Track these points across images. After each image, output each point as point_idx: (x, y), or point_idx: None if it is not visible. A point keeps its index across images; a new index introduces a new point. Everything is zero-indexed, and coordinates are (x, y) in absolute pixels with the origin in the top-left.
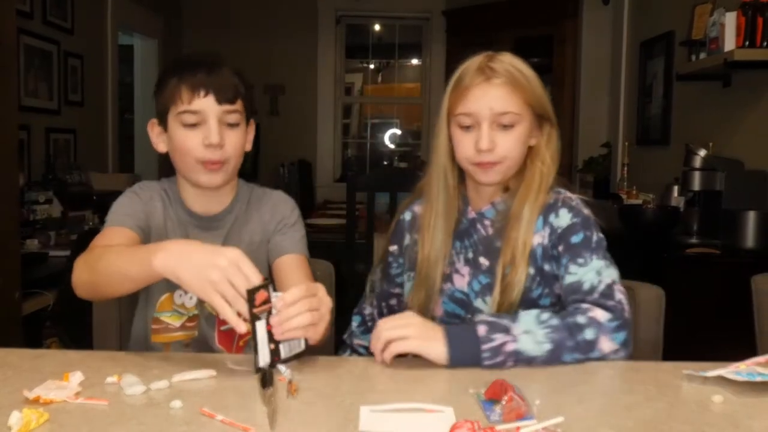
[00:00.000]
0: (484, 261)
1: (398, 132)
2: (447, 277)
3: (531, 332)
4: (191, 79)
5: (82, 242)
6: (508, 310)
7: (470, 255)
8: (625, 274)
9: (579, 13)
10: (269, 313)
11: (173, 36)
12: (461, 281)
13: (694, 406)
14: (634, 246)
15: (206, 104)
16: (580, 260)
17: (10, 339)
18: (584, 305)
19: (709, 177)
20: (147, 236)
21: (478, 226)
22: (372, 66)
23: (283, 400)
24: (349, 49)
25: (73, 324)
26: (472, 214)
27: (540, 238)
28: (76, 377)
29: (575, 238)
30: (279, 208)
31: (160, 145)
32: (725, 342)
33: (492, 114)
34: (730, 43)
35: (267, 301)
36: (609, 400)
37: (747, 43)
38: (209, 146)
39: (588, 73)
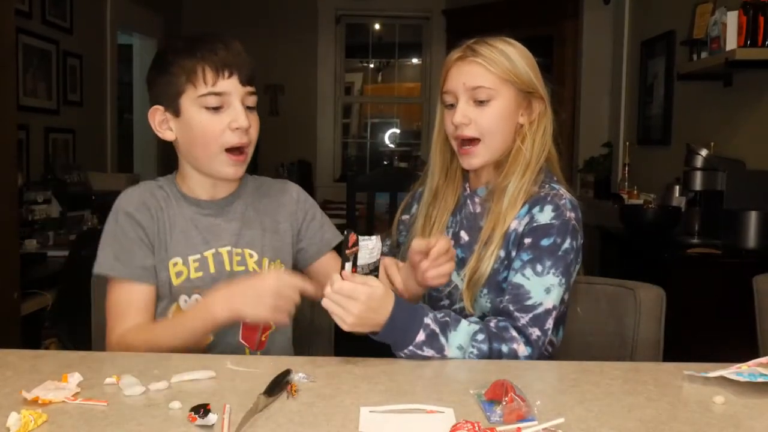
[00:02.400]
0: (464, 236)
1: (398, 132)
2: None
3: (462, 348)
4: (212, 58)
5: (81, 242)
6: (477, 282)
7: (457, 229)
8: (626, 274)
9: (579, 13)
10: (356, 255)
11: (173, 36)
12: None
13: (695, 407)
14: (634, 246)
15: (231, 85)
16: (539, 267)
17: (9, 339)
18: (512, 332)
19: (710, 177)
20: (153, 252)
21: (469, 202)
22: (372, 65)
23: (283, 400)
24: (349, 49)
25: (71, 324)
26: (467, 192)
27: (517, 225)
28: (75, 378)
29: (545, 241)
30: (300, 201)
31: (167, 134)
32: (726, 342)
33: (466, 89)
34: (731, 42)
35: (355, 244)
36: (610, 401)
37: (748, 42)
38: (236, 130)
39: (588, 73)
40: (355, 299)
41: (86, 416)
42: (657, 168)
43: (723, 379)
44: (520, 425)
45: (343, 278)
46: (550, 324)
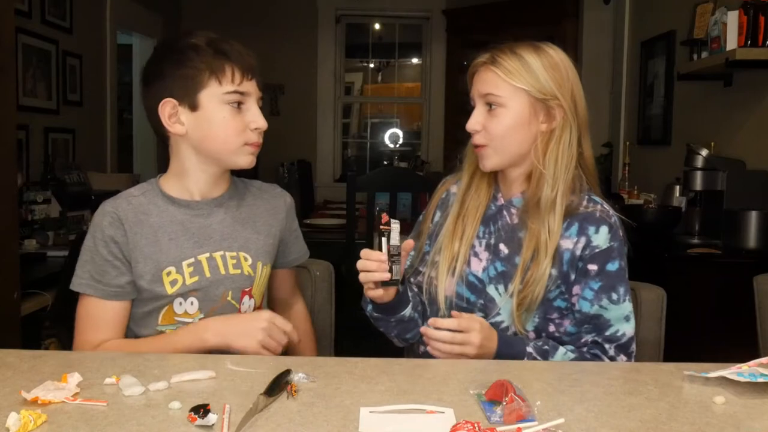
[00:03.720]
0: (503, 248)
1: (398, 132)
2: (465, 260)
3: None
4: (242, 60)
5: (81, 242)
6: (529, 306)
7: (492, 241)
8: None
9: (579, 13)
10: (389, 234)
11: (172, 35)
12: (478, 265)
13: (695, 407)
14: (635, 246)
15: (252, 87)
16: (615, 296)
17: (9, 339)
18: (604, 359)
19: (710, 177)
20: (129, 269)
21: (504, 213)
22: (372, 65)
23: (283, 400)
24: (349, 49)
25: (71, 324)
26: (501, 201)
27: (571, 244)
28: (75, 378)
29: (611, 266)
30: (290, 210)
31: (176, 127)
32: (727, 342)
33: (479, 95)
34: (731, 42)
35: (387, 223)
36: (610, 401)
37: (749, 42)
38: (256, 130)
39: (589, 73)
40: (465, 337)
41: (86, 416)
42: (657, 168)
43: (723, 379)
44: (520, 425)
45: (384, 259)
46: (634, 347)
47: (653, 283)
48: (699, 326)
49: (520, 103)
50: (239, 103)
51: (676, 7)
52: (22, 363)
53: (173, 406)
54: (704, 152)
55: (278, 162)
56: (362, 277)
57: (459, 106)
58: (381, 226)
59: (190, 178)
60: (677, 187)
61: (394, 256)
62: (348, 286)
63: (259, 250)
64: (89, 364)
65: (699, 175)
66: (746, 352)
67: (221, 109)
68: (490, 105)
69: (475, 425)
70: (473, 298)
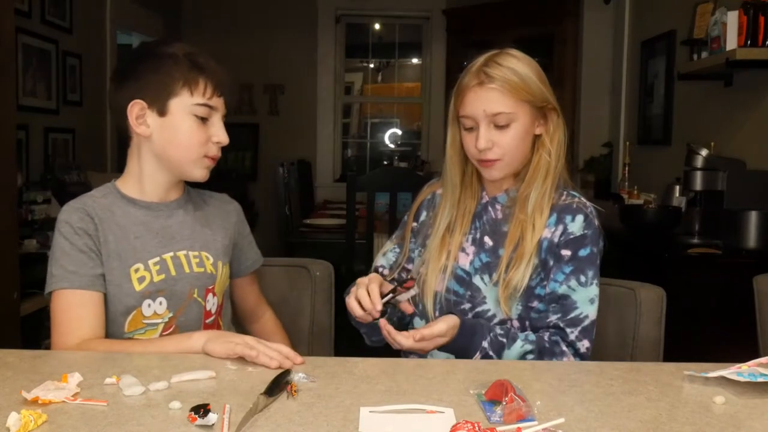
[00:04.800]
0: (488, 241)
1: (398, 132)
2: (454, 263)
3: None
4: (215, 76)
5: None
6: (514, 293)
7: (478, 235)
8: (627, 274)
9: (580, 13)
10: (402, 294)
11: (172, 35)
12: (465, 259)
13: (695, 407)
14: (635, 246)
15: (220, 104)
16: (582, 278)
17: (9, 340)
18: (563, 346)
19: (710, 177)
20: (101, 261)
21: (490, 209)
22: (372, 65)
23: (283, 400)
24: (349, 49)
25: None
26: (485, 199)
27: (549, 233)
28: (75, 378)
29: (583, 252)
30: (239, 215)
31: (141, 128)
32: (727, 343)
33: (486, 115)
34: (731, 42)
35: (405, 288)
36: (610, 401)
37: (749, 42)
38: (217, 144)
39: (589, 73)
40: (443, 333)
41: (86, 416)
42: (657, 168)
43: (723, 379)
44: (520, 425)
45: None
46: (593, 333)
47: (653, 283)
48: (699, 326)
49: (525, 114)
50: (205, 118)
51: (676, 7)
52: (22, 363)
53: (173, 406)
54: (704, 152)
55: (278, 162)
56: (349, 308)
57: None
58: (400, 287)
59: (146, 180)
60: (677, 187)
61: (388, 305)
62: (348, 286)
63: (218, 250)
64: (89, 364)
65: (699, 175)
66: (746, 352)
67: (188, 118)
68: (495, 124)
69: (475, 425)
70: (461, 291)
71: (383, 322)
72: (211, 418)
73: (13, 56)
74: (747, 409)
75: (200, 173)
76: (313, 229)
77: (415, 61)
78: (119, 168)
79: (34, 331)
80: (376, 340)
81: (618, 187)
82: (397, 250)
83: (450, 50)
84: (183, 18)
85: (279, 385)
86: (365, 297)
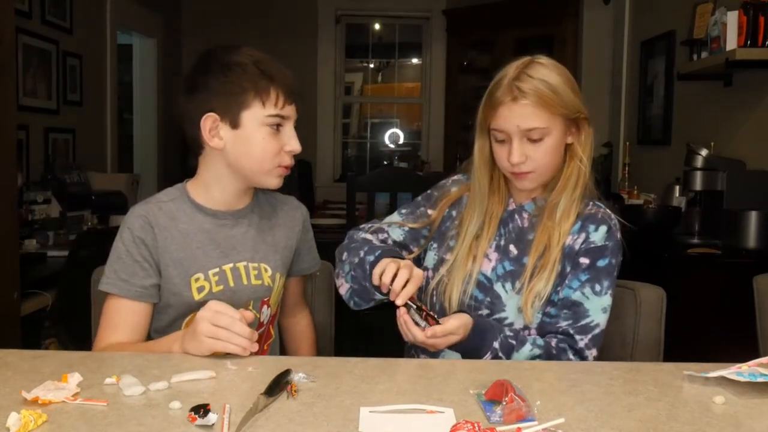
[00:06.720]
0: (513, 249)
1: (398, 132)
2: (479, 269)
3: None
4: (285, 84)
5: (81, 242)
6: (535, 300)
7: (502, 242)
8: (627, 274)
9: (579, 13)
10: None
11: (172, 35)
12: (487, 266)
13: (695, 407)
14: (635, 246)
15: (292, 112)
16: (597, 287)
17: (9, 339)
18: (570, 354)
19: (710, 177)
20: (157, 271)
21: (516, 217)
22: (372, 65)
23: (283, 400)
24: (349, 49)
25: (71, 324)
26: (512, 206)
27: (571, 240)
28: (75, 378)
29: (602, 262)
30: (305, 221)
31: (215, 141)
32: (727, 343)
33: (520, 131)
34: (731, 42)
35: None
36: (610, 401)
37: (748, 42)
38: (290, 152)
39: (589, 73)
40: (456, 331)
41: (86, 416)
42: (657, 168)
43: (723, 379)
44: (520, 425)
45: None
46: (600, 342)
47: (653, 283)
48: (699, 326)
49: (558, 126)
50: (279, 125)
51: (676, 7)
52: (22, 363)
53: (173, 406)
54: (704, 152)
55: None
56: (378, 269)
57: (459, 106)
58: (427, 314)
59: (217, 188)
60: (677, 187)
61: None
62: None
63: (277, 261)
64: (89, 364)
65: (699, 175)
66: (746, 352)
67: (261, 129)
68: (529, 138)
69: (475, 425)
70: (481, 297)
71: (403, 311)
72: (211, 418)
73: (13, 56)
74: (747, 409)
75: (274, 182)
76: (313, 229)
77: (415, 61)
78: (119, 168)
79: (34, 331)
80: (358, 303)
81: (618, 187)
82: (406, 229)
83: (450, 50)
84: (183, 18)
85: (279, 385)
86: (401, 282)
